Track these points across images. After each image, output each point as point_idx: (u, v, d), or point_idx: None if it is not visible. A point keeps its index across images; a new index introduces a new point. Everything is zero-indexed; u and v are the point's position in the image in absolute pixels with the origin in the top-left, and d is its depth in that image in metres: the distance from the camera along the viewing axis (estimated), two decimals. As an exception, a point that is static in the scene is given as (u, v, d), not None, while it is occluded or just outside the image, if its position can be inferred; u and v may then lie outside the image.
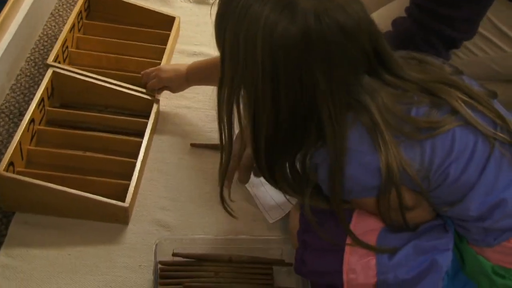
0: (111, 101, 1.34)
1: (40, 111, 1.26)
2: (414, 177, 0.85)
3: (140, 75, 1.35)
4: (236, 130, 0.91)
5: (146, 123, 1.28)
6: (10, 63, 1.38)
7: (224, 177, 0.96)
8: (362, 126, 0.83)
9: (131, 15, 1.53)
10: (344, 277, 0.91)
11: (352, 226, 0.92)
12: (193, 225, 1.19)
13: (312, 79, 0.79)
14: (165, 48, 1.44)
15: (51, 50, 1.35)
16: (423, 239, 0.91)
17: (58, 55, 1.34)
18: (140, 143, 1.24)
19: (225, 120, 0.89)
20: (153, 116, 1.30)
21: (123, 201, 1.14)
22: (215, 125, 0.91)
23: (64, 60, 1.38)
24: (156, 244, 1.10)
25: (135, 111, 1.34)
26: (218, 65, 0.86)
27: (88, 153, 1.25)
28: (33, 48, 1.49)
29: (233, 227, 1.18)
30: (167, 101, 1.39)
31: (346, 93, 0.82)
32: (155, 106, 1.32)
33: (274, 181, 0.92)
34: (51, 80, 1.30)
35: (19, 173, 1.16)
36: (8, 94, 1.37)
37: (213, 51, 1.39)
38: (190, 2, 1.68)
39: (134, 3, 1.53)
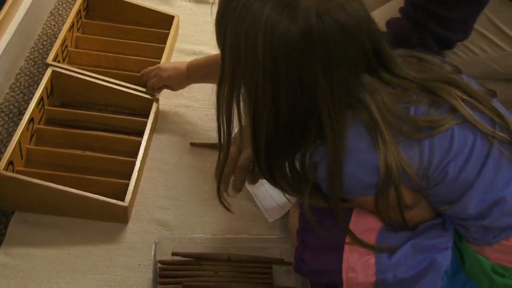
0: (111, 100, 1.34)
1: (40, 110, 1.26)
2: (413, 176, 0.85)
3: (139, 74, 1.35)
4: (235, 128, 0.91)
5: (146, 122, 1.28)
6: (10, 62, 1.38)
7: (222, 172, 0.96)
8: (361, 124, 0.83)
9: (130, 14, 1.52)
10: (344, 275, 0.91)
11: (351, 225, 0.92)
12: (193, 224, 1.19)
13: (312, 78, 0.79)
14: (164, 47, 1.43)
15: (50, 49, 1.35)
16: (422, 238, 0.91)
17: (57, 54, 1.33)
18: (139, 142, 1.24)
19: (224, 118, 0.88)
20: (153, 115, 1.30)
21: (123, 200, 1.14)
22: (214, 124, 0.90)
23: (64, 59, 1.38)
24: (156, 243, 1.10)
25: (134, 110, 1.33)
26: (218, 62, 0.86)
27: (87, 152, 1.25)
28: (33, 47, 1.48)
29: (232, 226, 1.18)
30: (166, 100, 1.39)
31: (346, 93, 0.82)
32: (154, 105, 1.32)
33: (273, 181, 0.91)
34: (51, 79, 1.30)
35: (18, 172, 1.16)
36: (7, 93, 1.37)
37: (212, 50, 1.38)
38: (190, 1, 1.68)
39: (133, 2, 1.53)
